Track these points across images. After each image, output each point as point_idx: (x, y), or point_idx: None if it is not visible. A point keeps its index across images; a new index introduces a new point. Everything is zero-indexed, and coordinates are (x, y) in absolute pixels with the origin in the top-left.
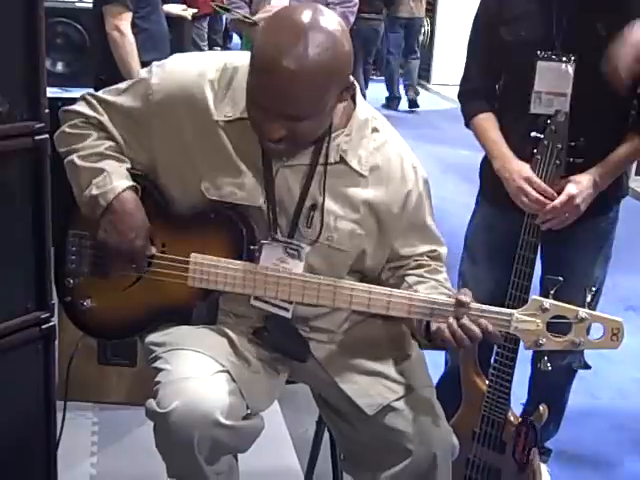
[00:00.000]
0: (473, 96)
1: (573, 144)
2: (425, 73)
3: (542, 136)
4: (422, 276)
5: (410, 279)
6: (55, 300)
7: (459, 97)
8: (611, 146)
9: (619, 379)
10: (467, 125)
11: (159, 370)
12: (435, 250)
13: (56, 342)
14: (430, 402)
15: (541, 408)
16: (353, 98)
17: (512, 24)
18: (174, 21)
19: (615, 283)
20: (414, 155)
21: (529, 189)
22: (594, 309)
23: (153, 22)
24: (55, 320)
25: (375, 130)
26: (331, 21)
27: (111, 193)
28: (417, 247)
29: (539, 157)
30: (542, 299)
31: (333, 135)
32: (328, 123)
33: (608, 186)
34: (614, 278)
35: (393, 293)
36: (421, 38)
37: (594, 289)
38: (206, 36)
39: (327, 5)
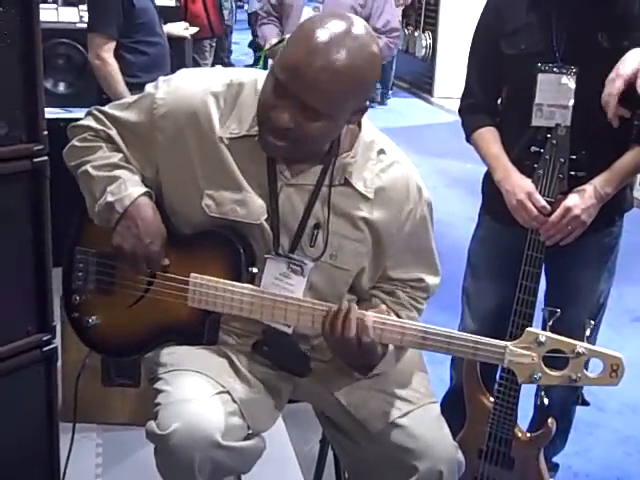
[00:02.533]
0: (474, 111)
1: (575, 157)
2: (427, 87)
3: (542, 150)
4: (385, 302)
5: (374, 301)
6: (56, 322)
7: (460, 112)
8: (613, 158)
9: (626, 392)
10: (468, 140)
11: (159, 391)
12: (423, 280)
13: (58, 364)
14: (435, 418)
15: (549, 421)
16: (366, 110)
17: (512, 37)
18: (174, 40)
19: (621, 295)
20: (420, 177)
21: (529, 205)
22: (597, 330)
23: (150, 44)
24: (56, 342)
25: (382, 152)
26: (374, 45)
27: (127, 199)
28: (406, 271)
29: (541, 172)
30: (538, 331)
31: (339, 157)
32: (331, 138)
33: (611, 200)
34: (620, 290)
35: (385, 321)
36: (423, 52)
37: (593, 322)
38: (207, 54)
39: None
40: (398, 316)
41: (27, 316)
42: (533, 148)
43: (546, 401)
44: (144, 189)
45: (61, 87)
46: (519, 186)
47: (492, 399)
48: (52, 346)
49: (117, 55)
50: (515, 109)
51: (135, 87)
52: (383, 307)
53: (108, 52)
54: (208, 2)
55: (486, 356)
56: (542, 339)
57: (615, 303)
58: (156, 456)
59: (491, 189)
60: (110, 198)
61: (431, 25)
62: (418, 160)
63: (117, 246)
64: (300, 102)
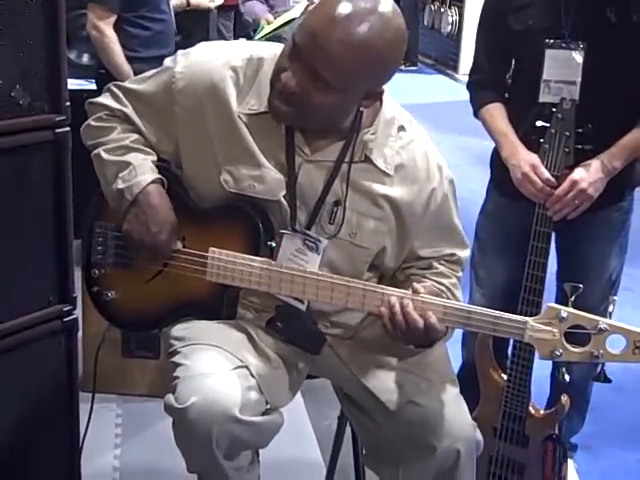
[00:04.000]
0: (482, 86)
1: (581, 130)
2: (453, 63)
3: (549, 125)
4: (424, 277)
5: (414, 278)
6: (77, 293)
7: (468, 87)
8: (620, 131)
9: None
10: (476, 115)
11: (178, 365)
12: (454, 254)
13: (79, 334)
14: (453, 397)
15: (563, 399)
16: (380, 96)
17: (520, 13)
18: (199, 12)
19: None
20: (440, 155)
21: (534, 177)
22: (612, 305)
23: (154, 21)
24: (77, 313)
25: (402, 129)
26: (399, 27)
27: (136, 187)
28: (437, 249)
29: (547, 146)
30: (559, 307)
31: (359, 133)
32: (337, 115)
33: (620, 174)
34: None
35: (404, 295)
36: (449, 28)
37: (616, 298)
38: (232, 27)
39: None
40: (443, 285)
41: (48, 287)
42: (539, 123)
43: (567, 377)
44: (154, 176)
45: (85, 58)
46: (524, 160)
47: (505, 377)
48: (73, 317)
49: (118, 28)
50: (523, 85)
51: (133, 61)
52: (428, 283)
53: (107, 24)
54: None
55: (506, 331)
56: (564, 315)
57: (639, 285)
58: (174, 429)
59: (499, 164)
60: (120, 185)
61: (458, 1)
62: (441, 137)
63: (126, 233)
64: (311, 69)
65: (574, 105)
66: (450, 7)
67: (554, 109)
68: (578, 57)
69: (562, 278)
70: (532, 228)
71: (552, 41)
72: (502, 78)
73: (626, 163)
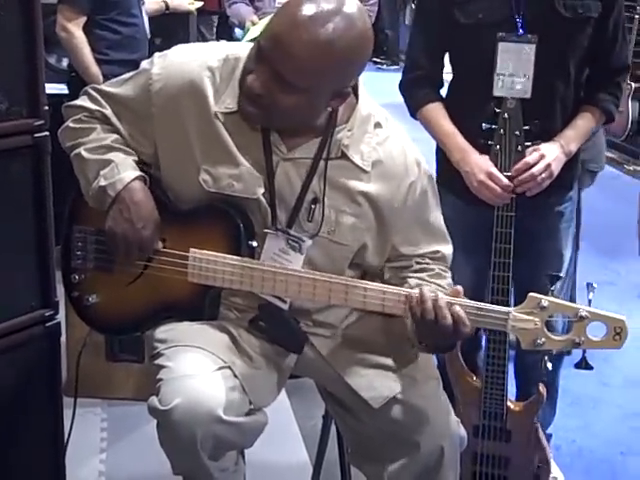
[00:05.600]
0: (422, 85)
1: (528, 128)
2: None
3: (494, 126)
4: (423, 279)
5: (412, 281)
6: (59, 297)
7: (403, 86)
8: (565, 121)
9: (630, 366)
10: (413, 115)
11: (161, 367)
12: (438, 251)
13: (63, 339)
14: (436, 394)
15: (541, 388)
16: (355, 93)
17: (468, 6)
18: (180, 16)
19: (629, 270)
20: (418, 150)
21: (492, 184)
22: (592, 293)
23: (124, 24)
24: (60, 317)
25: (378, 125)
26: (364, 26)
27: (119, 183)
28: (419, 246)
29: (498, 147)
30: (540, 296)
31: (335, 130)
32: (306, 116)
33: (567, 164)
34: (628, 265)
35: (386, 290)
36: None
37: (596, 285)
38: (214, 30)
39: None
40: (443, 287)
41: (30, 292)
42: (484, 125)
43: (550, 366)
44: (137, 173)
45: (65, 63)
46: (478, 166)
47: (477, 379)
48: (55, 321)
49: (87, 30)
50: (472, 81)
51: (102, 64)
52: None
53: (76, 25)
54: None
55: (488, 322)
56: (544, 304)
57: (622, 279)
58: (158, 431)
59: (448, 169)
60: (102, 182)
61: None
62: (427, 136)
63: (109, 230)
64: (275, 72)
65: (519, 103)
66: None
67: (498, 109)
68: (531, 50)
69: (517, 273)
70: (494, 230)
71: (505, 34)
72: (440, 75)
73: (579, 144)
